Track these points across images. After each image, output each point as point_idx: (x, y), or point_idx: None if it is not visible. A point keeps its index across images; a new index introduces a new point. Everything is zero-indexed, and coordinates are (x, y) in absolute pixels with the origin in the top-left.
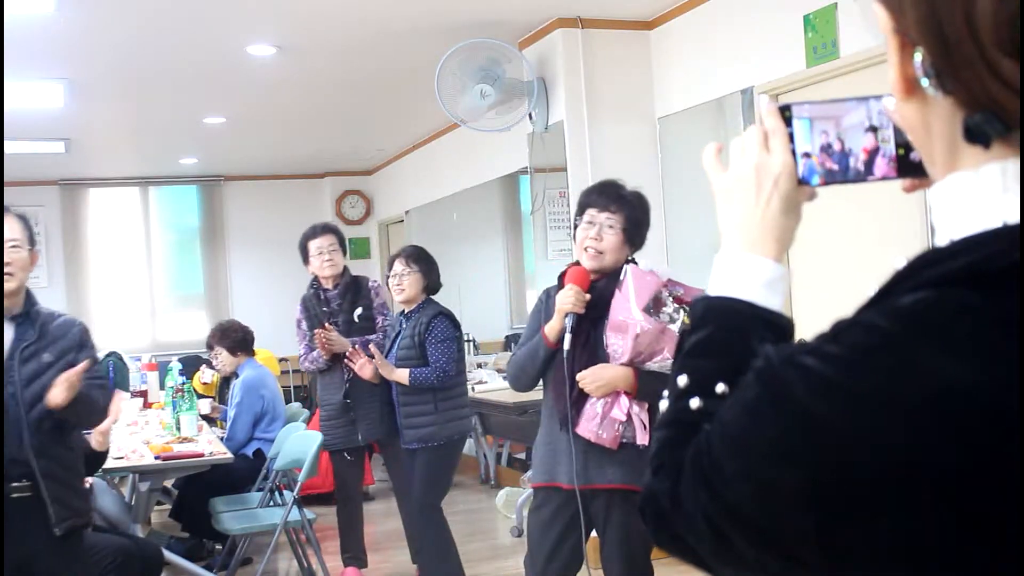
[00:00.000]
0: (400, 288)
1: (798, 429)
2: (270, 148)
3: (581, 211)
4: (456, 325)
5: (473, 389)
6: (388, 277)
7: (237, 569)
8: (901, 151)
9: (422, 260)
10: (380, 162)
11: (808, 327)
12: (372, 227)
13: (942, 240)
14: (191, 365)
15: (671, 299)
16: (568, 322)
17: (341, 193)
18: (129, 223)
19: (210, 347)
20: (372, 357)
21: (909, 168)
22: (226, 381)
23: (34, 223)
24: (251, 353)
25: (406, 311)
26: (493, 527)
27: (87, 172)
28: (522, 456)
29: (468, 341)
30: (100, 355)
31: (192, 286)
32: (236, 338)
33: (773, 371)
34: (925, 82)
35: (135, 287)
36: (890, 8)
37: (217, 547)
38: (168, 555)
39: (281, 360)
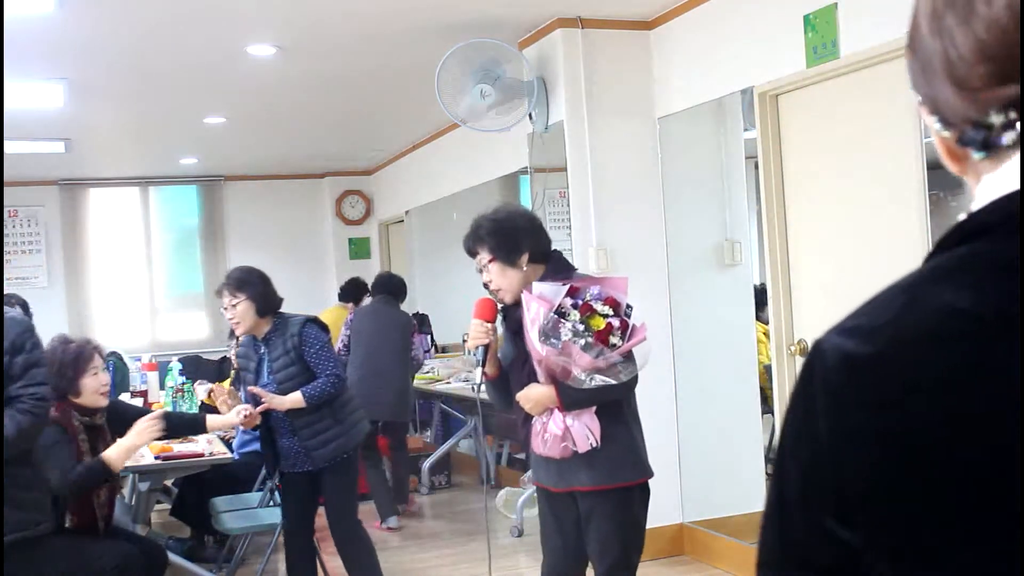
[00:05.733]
0: (235, 322)
1: None
2: (270, 148)
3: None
4: (325, 329)
5: (473, 389)
6: (222, 310)
7: (237, 569)
8: None
9: (246, 285)
10: (380, 162)
11: (807, 328)
12: (372, 227)
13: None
14: (191, 365)
15: (575, 310)
16: (479, 355)
17: (341, 193)
18: (129, 223)
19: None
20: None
21: None
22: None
23: (34, 223)
24: None
25: (260, 337)
26: (493, 527)
27: (87, 172)
28: (522, 456)
29: (468, 341)
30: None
31: (192, 286)
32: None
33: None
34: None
35: (135, 287)
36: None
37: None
38: (169, 555)
39: None
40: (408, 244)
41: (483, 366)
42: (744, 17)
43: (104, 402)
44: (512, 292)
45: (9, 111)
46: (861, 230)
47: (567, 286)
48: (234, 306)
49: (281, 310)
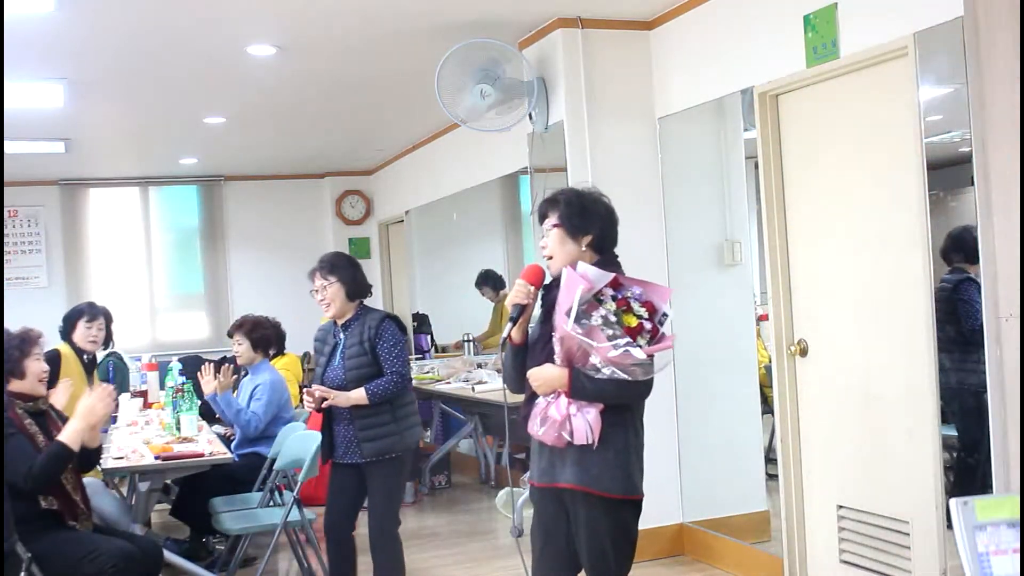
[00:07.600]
0: (325, 303)
1: None
2: (270, 148)
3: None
4: (403, 329)
5: (473, 389)
6: (311, 292)
7: (237, 569)
8: None
9: (339, 268)
10: (380, 162)
11: (807, 328)
12: (372, 227)
13: None
14: (191, 365)
15: (612, 301)
16: (513, 312)
17: (341, 193)
18: (129, 223)
19: (231, 336)
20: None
21: None
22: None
23: (34, 223)
24: (268, 355)
25: (339, 323)
26: (493, 527)
27: (87, 172)
28: (522, 456)
29: (468, 341)
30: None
31: (192, 286)
32: (265, 335)
33: None
34: None
35: (135, 287)
36: None
37: (219, 546)
38: (168, 555)
39: None
40: (408, 244)
41: (512, 322)
42: (744, 17)
43: (42, 390)
44: (561, 263)
45: (9, 111)
46: (861, 230)
47: (611, 275)
48: (324, 288)
49: (366, 301)
